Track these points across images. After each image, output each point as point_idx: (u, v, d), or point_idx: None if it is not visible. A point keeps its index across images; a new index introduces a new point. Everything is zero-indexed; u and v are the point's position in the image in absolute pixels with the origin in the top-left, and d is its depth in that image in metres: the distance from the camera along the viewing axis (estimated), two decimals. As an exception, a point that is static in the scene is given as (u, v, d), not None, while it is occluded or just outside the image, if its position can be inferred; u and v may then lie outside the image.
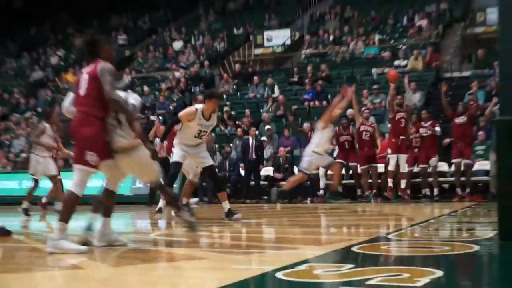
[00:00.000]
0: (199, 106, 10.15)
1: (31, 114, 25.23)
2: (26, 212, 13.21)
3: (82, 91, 6.59)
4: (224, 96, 22.71)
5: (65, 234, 6.39)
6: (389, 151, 14.82)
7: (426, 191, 15.07)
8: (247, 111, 20.07)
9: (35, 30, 38.11)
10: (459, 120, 14.83)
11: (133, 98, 7.17)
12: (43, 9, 39.02)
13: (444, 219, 9.79)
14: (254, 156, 16.93)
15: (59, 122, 13.68)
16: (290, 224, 10.01)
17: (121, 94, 6.97)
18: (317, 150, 13.18)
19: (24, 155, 21.57)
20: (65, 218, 6.35)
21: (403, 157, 14.74)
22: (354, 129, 15.73)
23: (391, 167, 14.77)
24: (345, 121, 15.76)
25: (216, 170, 11.52)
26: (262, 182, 17.17)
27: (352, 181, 16.03)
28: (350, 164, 15.60)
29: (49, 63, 31.68)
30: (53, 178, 13.54)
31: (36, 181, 13.51)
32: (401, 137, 14.70)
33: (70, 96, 7.24)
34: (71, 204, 6.43)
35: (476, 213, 11.08)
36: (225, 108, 20.90)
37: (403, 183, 14.76)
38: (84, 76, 6.63)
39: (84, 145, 6.44)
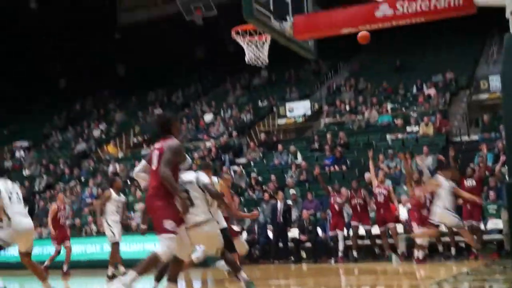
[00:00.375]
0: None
1: (75, 183, 25.19)
2: (113, 276, 12.35)
3: (153, 166, 6.70)
4: (252, 163, 22.60)
5: (134, 285, 6.41)
6: (413, 224, 14.29)
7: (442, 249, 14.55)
8: (273, 177, 19.83)
9: (79, 105, 38.52)
10: (468, 183, 14.48)
11: (202, 177, 7.33)
12: (87, 86, 39.59)
13: (462, 277, 9.38)
14: (281, 219, 16.56)
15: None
16: (316, 285, 9.65)
17: (189, 174, 7.15)
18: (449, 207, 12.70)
19: (67, 222, 21.45)
20: (141, 272, 6.39)
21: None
22: (366, 192, 15.41)
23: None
24: (355, 184, 15.44)
25: None
26: (289, 244, 16.77)
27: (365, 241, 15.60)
28: (364, 226, 15.21)
29: (92, 135, 31.84)
30: (114, 244, 12.95)
31: (117, 244, 12.91)
32: (421, 211, 14.20)
33: (141, 164, 7.50)
34: (151, 265, 6.51)
35: (492, 271, 10.64)
36: (252, 175, 20.69)
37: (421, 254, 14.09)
38: (155, 152, 6.77)
39: (160, 215, 6.49)
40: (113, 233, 12.68)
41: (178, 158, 6.74)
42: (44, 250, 19.93)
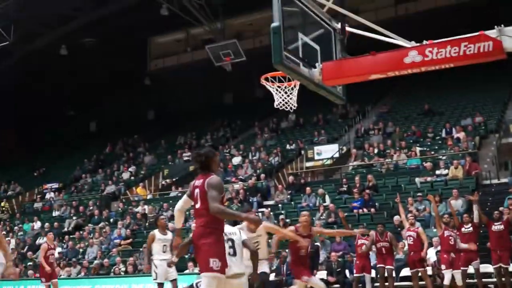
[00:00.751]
0: None
1: (104, 224, 25.51)
2: None
3: (198, 204, 6.72)
4: (279, 205, 22.75)
5: None
6: (443, 266, 14.37)
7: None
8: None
9: (109, 149, 39.07)
10: (496, 227, 14.51)
11: (243, 233, 7.56)
12: (117, 130, 40.24)
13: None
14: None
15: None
16: None
17: (232, 228, 7.37)
18: None
19: (97, 261, 21.72)
20: None
21: (458, 273, 14.32)
22: (392, 235, 15.52)
23: (446, 281, 14.29)
24: (381, 227, 15.54)
25: None
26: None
27: (401, 283, 15.58)
28: (387, 267, 15.25)
29: (121, 178, 32.26)
30: (173, 282, 12.88)
31: (160, 285, 12.79)
32: (451, 254, 14.31)
33: (182, 199, 7.36)
34: None
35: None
36: (281, 216, 20.82)
37: None
38: (196, 190, 6.75)
39: (207, 253, 6.49)
40: (155, 273, 12.61)
41: (221, 193, 6.71)
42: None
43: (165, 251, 12.76)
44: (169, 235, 13.07)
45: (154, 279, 12.76)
